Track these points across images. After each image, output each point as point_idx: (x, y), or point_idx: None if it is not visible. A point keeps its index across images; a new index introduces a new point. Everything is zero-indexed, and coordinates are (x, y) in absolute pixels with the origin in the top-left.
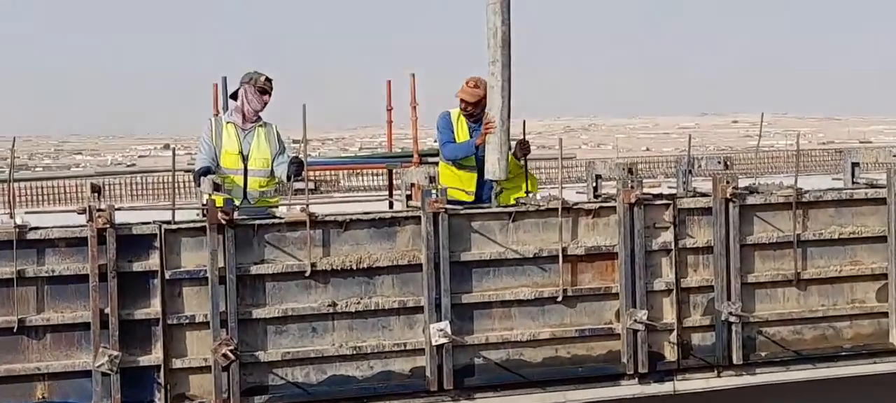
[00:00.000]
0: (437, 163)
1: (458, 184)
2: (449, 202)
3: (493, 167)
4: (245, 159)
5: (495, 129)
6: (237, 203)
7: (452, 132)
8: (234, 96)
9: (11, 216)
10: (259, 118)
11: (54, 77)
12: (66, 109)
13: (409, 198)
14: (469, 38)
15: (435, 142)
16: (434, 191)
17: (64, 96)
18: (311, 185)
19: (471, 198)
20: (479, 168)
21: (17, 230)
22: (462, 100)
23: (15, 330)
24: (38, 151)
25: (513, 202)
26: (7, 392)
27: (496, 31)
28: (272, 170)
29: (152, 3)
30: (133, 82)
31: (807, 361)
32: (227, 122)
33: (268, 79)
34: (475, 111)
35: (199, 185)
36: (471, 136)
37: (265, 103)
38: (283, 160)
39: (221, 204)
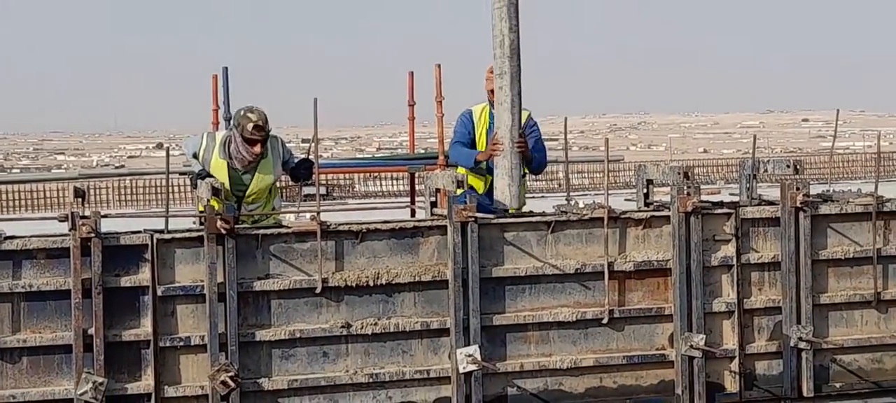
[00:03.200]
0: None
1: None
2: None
3: (503, 193)
4: (239, 198)
5: (504, 150)
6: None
7: (469, 132)
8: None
9: None
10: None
11: (33, 68)
12: (47, 105)
13: (433, 205)
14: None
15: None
16: (464, 196)
17: (44, 91)
18: (323, 190)
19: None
20: (491, 172)
21: None
22: (487, 89)
23: None
24: (15, 151)
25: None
26: None
27: (503, 40)
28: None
29: None
30: (123, 74)
31: (888, 394)
32: (220, 159)
33: (256, 126)
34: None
35: (195, 189)
36: (491, 126)
37: (256, 154)
38: (291, 163)
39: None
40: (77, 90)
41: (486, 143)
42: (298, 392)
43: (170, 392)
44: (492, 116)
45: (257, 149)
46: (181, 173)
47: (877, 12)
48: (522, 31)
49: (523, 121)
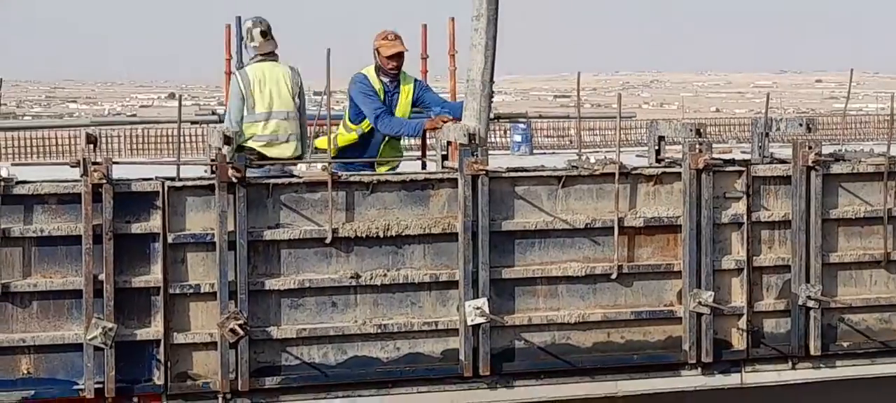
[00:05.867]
0: None
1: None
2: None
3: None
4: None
5: (474, 96)
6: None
7: (378, 97)
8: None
9: None
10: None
11: (47, 16)
12: (60, 52)
13: (444, 157)
14: None
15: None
16: (474, 152)
17: (57, 38)
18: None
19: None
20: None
21: (3, 184)
22: (383, 56)
23: None
24: (27, 98)
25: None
26: None
27: None
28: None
29: None
30: (135, 24)
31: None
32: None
33: (264, 32)
34: (396, 69)
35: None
36: (384, 98)
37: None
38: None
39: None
40: (88, 37)
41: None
42: (307, 341)
43: (179, 338)
44: (383, 84)
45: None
46: (193, 122)
47: None
48: None
49: (415, 89)
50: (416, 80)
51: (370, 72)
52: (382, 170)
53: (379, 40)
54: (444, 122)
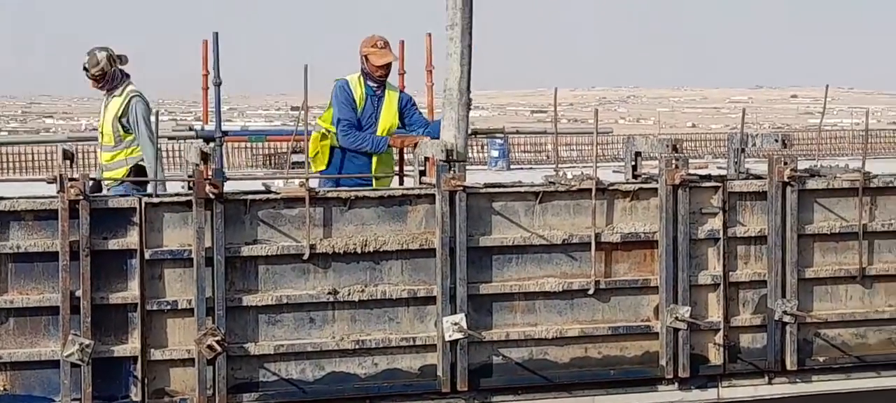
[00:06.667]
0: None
1: (324, 155)
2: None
3: (451, 145)
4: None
5: (423, 141)
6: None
7: (354, 109)
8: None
9: None
10: (116, 88)
11: (22, 28)
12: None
13: (422, 173)
14: None
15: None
16: (452, 167)
17: (33, 50)
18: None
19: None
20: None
21: None
22: (372, 64)
23: None
24: (3, 113)
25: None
26: None
27: None
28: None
29: None
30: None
31: (871, 368)
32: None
33: (84, 68)
34: (384, 76)
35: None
36: (366, 102)
37: (99, 87)
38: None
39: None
40: (65, 52)
41: (365, 118)
42: (285, 357)
43: (156, 355)
44: (369, 89)
45: (94, 84)
46: (169, 138)
47: None
48: (511, 2)
49: (401, 103)
50: (401, 92)
51: (353, 79)
52: (380, 184)
53: (368, 47)
54: (408, 143)
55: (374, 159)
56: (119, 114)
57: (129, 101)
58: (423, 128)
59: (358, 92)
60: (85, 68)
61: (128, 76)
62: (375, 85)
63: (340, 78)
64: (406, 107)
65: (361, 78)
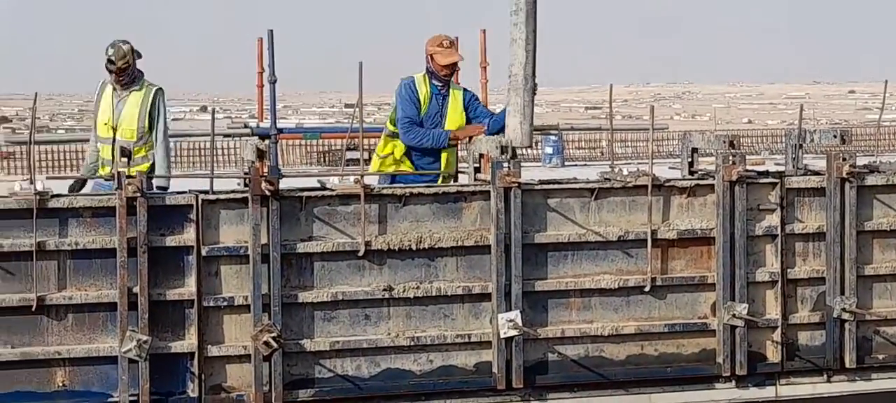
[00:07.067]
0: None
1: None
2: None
3: (515, 132)
4: (115, 129)
5: (479, 137)
6: (103, 172)
7: (417, 107)
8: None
9: (32, 182)
10: (134, 82)
11: (84, 26)
12: (94, 63)
13: (477, 170)
14: None
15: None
16: (506, 163)
17: (93, 48)
18: (367, 155)
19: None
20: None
21: (38, 197)
22: (438, 63)
23: (33, 309)
24: (60, 112)
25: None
26: (24, 377)
27: None
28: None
29: None
30: (167, 38)
31: None
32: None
33: (110, 60)
34: (449, 75)
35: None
36: (431, 100)
37: (121, 82)
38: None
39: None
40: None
41: (430, 117)
42: (340, 353)
43: (213, 351)
44: (434, 88)
45: (117, 77)
46: (225, 135)
47: None
48: (563, 1)
49: (465, 99)
50: (465, 89)
51: (418, 77)
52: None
53: (433, 46)
54: (472, 133)
55: (443, 157)
56: (147, 108)
57: (155, 95)
58: (489, 119)
59: (423, 90)
60: (111, 60)
61: (141, 72)
62: (440, 84)
63: (406, 76)
64: (470, 102)
65: (426, 76)
